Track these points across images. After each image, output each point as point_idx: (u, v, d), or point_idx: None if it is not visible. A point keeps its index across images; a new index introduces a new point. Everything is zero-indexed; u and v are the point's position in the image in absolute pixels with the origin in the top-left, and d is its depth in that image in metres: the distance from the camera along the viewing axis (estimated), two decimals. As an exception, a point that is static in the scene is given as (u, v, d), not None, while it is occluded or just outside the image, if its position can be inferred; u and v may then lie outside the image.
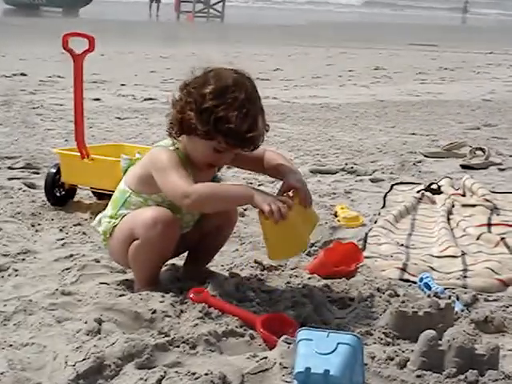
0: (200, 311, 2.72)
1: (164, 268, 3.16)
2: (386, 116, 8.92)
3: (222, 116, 2.79)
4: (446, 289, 3.14)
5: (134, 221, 2.92)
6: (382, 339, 2.63)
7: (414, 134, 7.62)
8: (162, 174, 2.86)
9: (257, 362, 2.40)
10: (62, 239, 3.71)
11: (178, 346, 2.49)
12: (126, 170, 3.11)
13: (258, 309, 2.76)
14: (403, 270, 3.38)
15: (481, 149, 6.20)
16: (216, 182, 3.09)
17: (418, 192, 4.82)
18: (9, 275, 3.18)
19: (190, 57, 15.92)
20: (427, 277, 3.21)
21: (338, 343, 2.18)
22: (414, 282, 3.25)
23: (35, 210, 4.18)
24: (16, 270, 3.22)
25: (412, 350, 2.47)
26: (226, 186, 2.92)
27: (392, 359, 2.45)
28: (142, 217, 2.89)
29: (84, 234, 3.80)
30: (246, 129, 2.81)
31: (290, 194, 2.88)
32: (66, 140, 6.38)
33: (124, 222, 2.98)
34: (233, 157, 2.98)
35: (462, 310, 2.91)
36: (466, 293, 3.12)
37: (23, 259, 3.39)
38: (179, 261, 3.24)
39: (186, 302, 2.81)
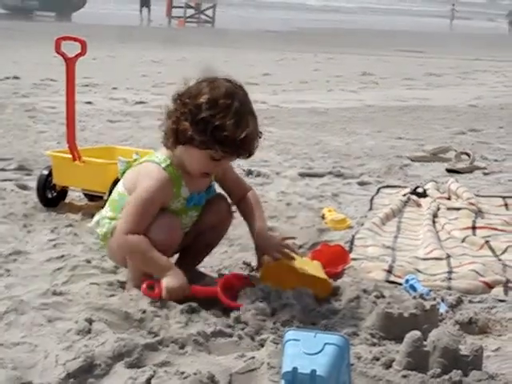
0: (188, 312, 2.76)
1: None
2: (373, 121, 8.95)
3: (218, 125, 2.80)
4: (431, 290, 3.17)
5: None
6: (368, 340, 2.66)
7: (400, 138, 7.67)
8: (132, 201, 2.92)
9: (244, 361, 2.43)
10: (54, 240, 3.73)
11: (168, 346, 2.52)
12: (124, 172, 3.15)
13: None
14: (389, 271, 3.42)
15: (466, 153, 6.24)
16: (211, 192, 3.14)
17: (405, 195, 4.86)
18: (1, 275, 3.20)
19: (180, 61, 15.93)
20: (413, 278, 3.25)
21: (325, 343, 2.18)
22: (400, 284, 3.28)
23: (27, 211, 4.20)
24: (8, 271, 3.25)
25: (397, 351, 2.50)
26: (156, 253, 2.93)
27: (378, 359, 2.49)
28: None
29: (75, 234, 3.82)
30: (243, 136, 2.83)
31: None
32: (58, 142, 6.38)
33: None
34: (228, 165, 3.04)
35: (447, 312, 2.94)
36: (450, 294, 3.15)
37: (15, 259, 3.42)
38: (169, 262, 3.27)
39: (176, 302, 2.84)
